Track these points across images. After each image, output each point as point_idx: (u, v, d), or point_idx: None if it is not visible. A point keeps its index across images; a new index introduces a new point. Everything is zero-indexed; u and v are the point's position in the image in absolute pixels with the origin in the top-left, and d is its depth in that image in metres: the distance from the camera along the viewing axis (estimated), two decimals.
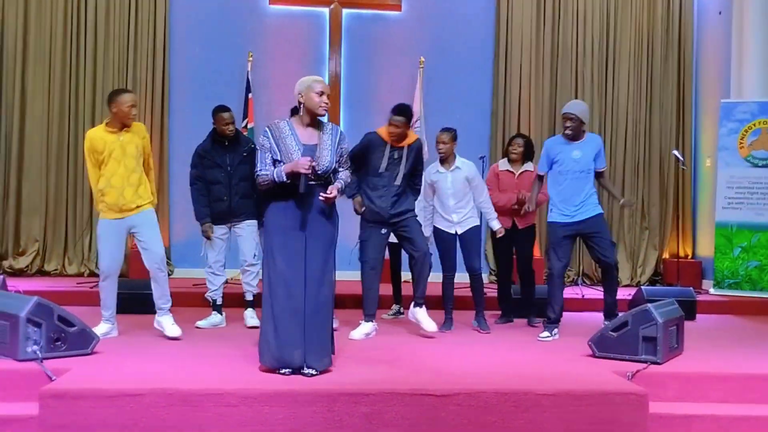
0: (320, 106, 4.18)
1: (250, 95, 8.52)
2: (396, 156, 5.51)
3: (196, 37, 8.93)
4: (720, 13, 8.89)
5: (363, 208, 5.54)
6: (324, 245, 4.22)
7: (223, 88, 8.59)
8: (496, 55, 9.16)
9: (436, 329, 5.52)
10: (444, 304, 5.97)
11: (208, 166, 5.77)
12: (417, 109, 8.52)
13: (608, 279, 5.86)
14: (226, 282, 6.05)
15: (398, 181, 5.50)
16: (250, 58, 8.63)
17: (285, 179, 4.12)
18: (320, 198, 4.14)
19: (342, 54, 9.04)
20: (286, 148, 4.17)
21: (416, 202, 5.76)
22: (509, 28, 9.10)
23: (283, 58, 8.93)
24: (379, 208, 5.48)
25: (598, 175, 5.79)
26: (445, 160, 5.90)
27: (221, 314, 5.89)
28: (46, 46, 8.56)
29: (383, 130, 5.54)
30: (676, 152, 8.71)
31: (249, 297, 5.94)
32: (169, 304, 5.29)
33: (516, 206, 6.07)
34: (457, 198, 5.87)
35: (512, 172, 6.26)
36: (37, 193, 8.53)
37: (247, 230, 5.83)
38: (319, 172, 4.17)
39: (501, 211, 6.08)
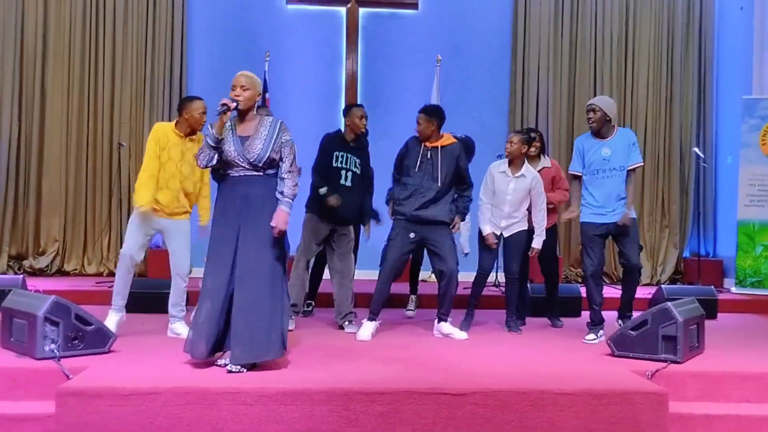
0: (232, 101, 4.25)
1: (267, 95, 8.52)
2: (429, 156, 5.44)
3: (214, 36, 8.97)
4: (741, 8, 8.78)
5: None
6: (260, 237, 4.18)
7: None
8: (514, 52, 9.11)
9: (467, 336, 5.46)
10: (469, 300, 5.89)
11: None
12: None
13: (629, 280, 5.65)
14: None
15: (433, 185, 5.39)
16: (267, 58, 8.64)
17: (216, 138, 4.18)
18: (273, 235, 4.16)
19: (359, 53, 9.04)
20: (224, 140, 4.25)
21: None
22: (527, 24, 9.05)
23: (300, 58, 8.95)
24: (405, 209, 5.42)
25: (629, 172, 5.47)
26: (512, 162, 5.76)
27: None
28: (65, 44, 8.63)
29: None
30: (696, 150, 8.62)
31: None
32: (183, 313, 5.30)
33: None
34: (513, 207, 5.74)
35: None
36: (57, 193, 8.59)
37: None
38: (252, 161, 4.20)
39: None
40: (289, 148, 4.27)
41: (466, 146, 5.91)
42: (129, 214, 8.05)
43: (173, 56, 8.74)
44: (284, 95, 8.77)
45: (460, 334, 5.45)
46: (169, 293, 5.31)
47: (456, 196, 5.56)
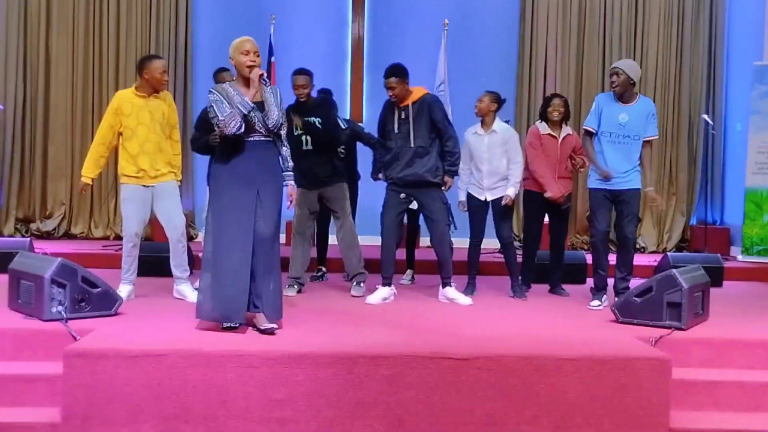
0: (246, 65, 4.19)
1: (272, 59, 8.46)
2: (403, 116, 5.41)
3: (219, 0, 8.88)
4: None
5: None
6: (275, 201, 4.29)
7: None
8: (522, 17, 9.00)
9: (471, 302, 5.47)
10: (468, 268, 5.92)
11: (212, 129, 5.65)
12: (441, 72, 8.42)
13: (623, 253, 5.48)
14: None
15: (412, 143, 5.38)
16: (273, 21, 8.55)
17: (250, 105, 4.15)
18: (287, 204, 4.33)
19: (365, 17, 8.93)
20: (236, 106, 4.17)
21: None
22: None
23: (305, 22, 8.86)
24: (391, 172, 5.45)
25: (644, 144, 5.35)
26: (484, 122, 5.79)
27: None
28: (69, 10, 8.59)
29: None
30: (705, 116, 8.54)
31: None
32: (187, 273, 5.33)
33: (575, 170, 5.92)
34: (490, 163, 5.75)
35: (555, 137, 5.93)
36: (63, 157, 8.61)
37: None
38: (270, 126, 4.24)
39: (545, 178, 5.86)
40: (286, 117, 4.42)
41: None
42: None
43: (178, 20, 8.67)
44: (289, 59, 8.66)
45: (464, 300, 5.47)
46: None
47: (442, 153, 5.49)
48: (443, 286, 5.55)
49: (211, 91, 4.28)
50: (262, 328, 4.15)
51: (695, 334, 4.45)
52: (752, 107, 8.12)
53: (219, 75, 5.85)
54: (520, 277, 5.95)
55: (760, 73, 8.06)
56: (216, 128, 4.26)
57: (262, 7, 8.76)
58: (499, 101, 5.82)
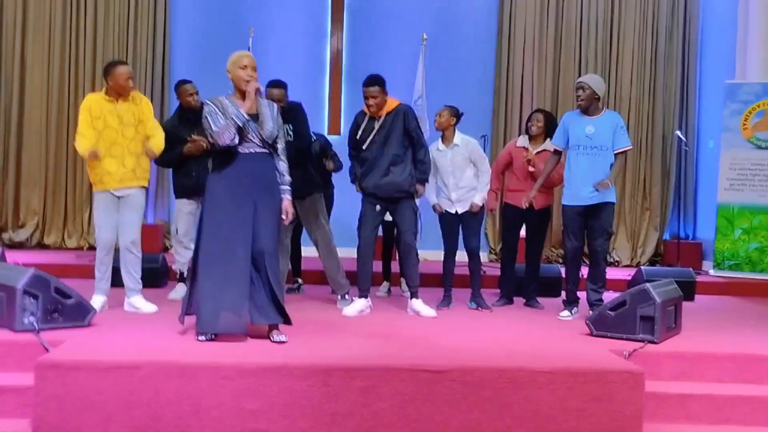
0: (243, 79, 4.28)
1: None
2: (375, 126, 5.43)
3: (198, 8, 8.90)
4: None
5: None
6: (273, 212, 4.33)
7: (225, 62, 8.50)
8: (500, 32, 9.09)
9: (435, 314, 5.47)
10: (443, 280, 5.96)
11: (176, 141, 5.60)
12: (419, 86, 8.47)
13: (594, 267, 5.53)
14: None
15: (385, 152, 5.38)
16: (252, 34, 8.55)
17: (245, 117, 4.21)
18: (283, 220, 4.36)
19: (344, 29, 8.97)
20: (231, 118, 4.23)
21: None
22: (513, 3, 9.04)
23: (284, 33, 8.88)
24: (367, 183, 5.45)
25: (616, 156, 5.38)
26: (445, 137, 5.86)
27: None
28: (45, 15, 8.54)
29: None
30: (678, 133, 8.66)
31: None
32: (139, 286, 5.24)
33: (530, 169, 5.95)
34: (455, 177, 5.82)
35: (527, 149, 6.03)
36: (37, 165, 8.53)
37: None
38: (265, 137, 4.30)
39: (514, 189, 6.02)
40: (283, 131, 4.49)
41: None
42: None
43: (156, 30, 8.66)
44: (268, 71, 8.62)
45: (427, 311, 5.45)
46: (148, 267, 5.27)
47: (414, 162, 5.51)
48: (411, 297, 5.56)
49: (206, 103, 4.32)
50: (275, 339, 4.21)
51: (668, 348, 4.50)
52: (724, 124, 8.25)
53: (181, 87, 5.84)
54: (499, 291, 6.00)
55: (732, 90, 8.21)
56: (209, 139, 4.31)
57: (241, 19, 8.76)
58: (458, 115, 5.89)
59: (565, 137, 5.50)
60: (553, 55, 9.10)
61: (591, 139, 5.38)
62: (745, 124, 8.13)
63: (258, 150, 4.31)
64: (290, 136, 5.58)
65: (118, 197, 5.14)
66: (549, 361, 3.99)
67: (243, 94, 4.31)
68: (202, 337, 4.20)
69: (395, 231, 5.93)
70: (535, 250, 6.23)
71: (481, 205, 5.83)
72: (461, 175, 5.83)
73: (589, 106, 5.44)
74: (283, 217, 4.39)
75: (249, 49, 8.42)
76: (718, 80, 8.73)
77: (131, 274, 5.20)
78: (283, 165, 4.45)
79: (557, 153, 5.63)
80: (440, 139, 5.90)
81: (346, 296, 5.78)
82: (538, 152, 6.03)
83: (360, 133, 5.50)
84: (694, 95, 9.30)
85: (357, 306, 5.43)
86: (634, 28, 9.16)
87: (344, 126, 8.66)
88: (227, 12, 8.83)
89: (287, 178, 4.46)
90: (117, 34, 8.62)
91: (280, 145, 4.44)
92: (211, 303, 4.16)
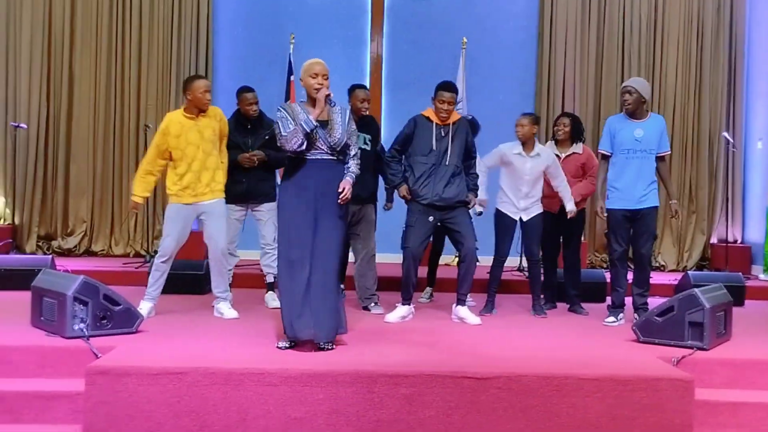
0: (314, 88, 4.35)
1: (291, 77, 8.53)
2: (443, 134, 5.42)
3: (240, 18, 8.99)
4: None
5: (409, 195, 5.46)
6: (336, 220, 4.37)
7: (266, 69, 8.69)
8: (540, 34, 9.01)
9: (480, 322, 5.41)
10: (489, 285, 5.91)
11: (229, 146, 5.67)
12: (460, 90, 8.43)
13: (638, 271, 5.52)
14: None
15: (448, 162, 5.38)
16: (293, 40, 8.63)
17: (314, 124, 4.27)
18: (339, 201, 4.33)
19: (384, 35, 9.00)
20: (300, 124, 4.29)
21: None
22: (554, 6, 8.95)
23: (325, 40, 8.93)
24: (426, 192, 5.37)
25: (659, 159, 5.42)
26: (525, 144, 5.80)
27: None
28: (92, 29, 8.70)
29: (428, 112, 5.48)
30: (725, 134, 8.48)
31: (270, 279, 5.98)
32: (227, 293, 5.40)
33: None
34: (530, 186, 5.78)
35: (558, 155, 6.02)
36: (84, 175, 8.70)
37: (267, 213, 5.87)
38: (332, 145, 4.36)
39: (547, 195, 5.94)
40: (356, 137, 4.54)
41: (473, 126, 6.01)
42: (155, 196, 8.20)
43: (199, 39, 8.76)
44: None
45: (473, 319, 5.41)
46: (196, 274, 5.34)
47: (466, 172, 5.54)
48: (458, 304, 5.51)
49: (279, 109, 4.43)
50: (321, 345, 4.25)
51: (717, 355, 4.41)
52: None
53: (242, 95, 5.89)
54: (542, 296, 5.95)
55: None
56: (278, 143, 4.40)
57: (282, 26, 8.84)
58: (538, 122, 5.88)
59: (611, 142, 5.47)
60: (595, 58, 8.99)
61: (640, 143, 5.36)
62: None
63: (326, 157, 4.37)
64: (367, 144, 5.67)
65: (193, 208, 5.27)
66: (596, 368, 3.94)
67: (314, 101, 4.37)
68: (283, 344, 4.28)
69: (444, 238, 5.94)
70: (573, 253, 6.17)
71: (574, 210, 5.83)
72: (536, 184, 5.81)
73: (636, 109, 5.40)
74: (339, 190, 4.32)
75: (290, 56, 8.53)
76: (766, 80, 8.54)
77: (219, 282, 5.36)
78: (353, 162, 4.47)
79: (605, 158, 5.56)
80: (519, 144, 5.81)
81: (377, 303, 5.81)
82: (567, 156, 6.03)
83: (420, 138, 5.43)
84: (742, 95, 9.10)
85: (399, 312, 5.42)
86: (679, 28, 9.00)
87: (385, 132, 8.65)
88: (268, 21, 8.92)
89: (354, 170, 4.46)
90: (161, 46, 8.74)
91: (353, 150, 4.49)
92: (288, 310, 4.27)
